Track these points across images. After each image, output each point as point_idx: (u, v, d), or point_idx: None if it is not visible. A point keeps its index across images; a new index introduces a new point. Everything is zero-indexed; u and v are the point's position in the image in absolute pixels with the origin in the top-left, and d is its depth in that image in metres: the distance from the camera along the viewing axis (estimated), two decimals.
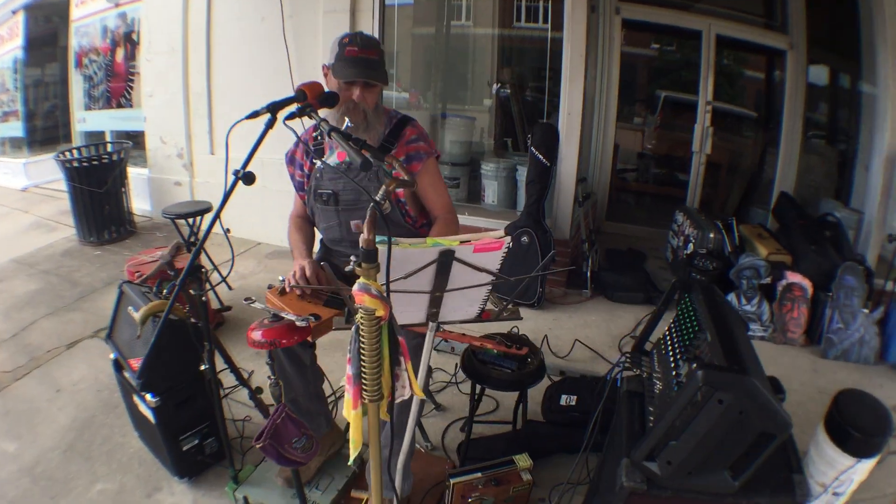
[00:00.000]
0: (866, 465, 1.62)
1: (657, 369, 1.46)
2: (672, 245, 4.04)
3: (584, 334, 3.08)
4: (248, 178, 1.36)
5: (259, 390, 2.27)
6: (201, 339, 1.79)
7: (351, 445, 1.03)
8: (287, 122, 1.36)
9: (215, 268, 2.84)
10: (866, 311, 2.77)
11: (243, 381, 2.22)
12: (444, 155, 4.08)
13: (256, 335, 1.45)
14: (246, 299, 1.54)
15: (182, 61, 4.10)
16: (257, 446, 1.44)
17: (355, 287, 0.86)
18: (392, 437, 1.60)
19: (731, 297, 3.17)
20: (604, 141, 4.59)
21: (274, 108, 1.38)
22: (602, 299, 3.56)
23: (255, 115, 1.38)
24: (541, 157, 3.56)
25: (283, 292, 1.66)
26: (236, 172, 1.36)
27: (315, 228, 1.96)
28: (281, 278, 1.72)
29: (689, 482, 1.21)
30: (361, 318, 0.90)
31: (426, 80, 4.67)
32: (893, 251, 2.92)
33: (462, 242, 0.91)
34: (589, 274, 3.61)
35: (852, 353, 2.78)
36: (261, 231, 3.92)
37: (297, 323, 1.41)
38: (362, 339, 0.93)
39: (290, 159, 1.89)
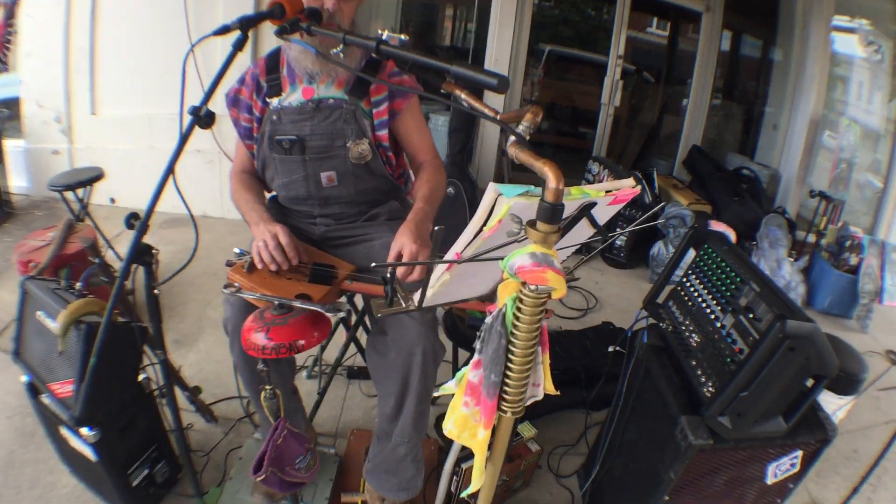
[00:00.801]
0: (851, 402, 1.81)
1: (684, 322, 1.45)
2: None
3: None
4: (209, 119, 1.09)
5: (198, 390, 1.96)
6: (143, 345, 1.47)
7: (475, 475, 0.84)
8: (282, 36, 1.14)
9: (110, 245, 2.37)
10: (791, 259, 3.10)
11: (183, 384, 1.89)
12: None
13: (260, 338, 1.13)
14: (226, 286, 1.26)
15: (65, 14, 3.44)
16: (258, 479, 1.18)
17: (526, 259, 0.66)
18: (411, 429, 1.43)
19: (659, 245, 3.38)
20: (511, 91, 4.62)
21: (245, 24, 1.12)
22: None
23: (224, 30, 1.11)
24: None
25: (251, 269, 1.36)
26: (195, 110, 1.07)
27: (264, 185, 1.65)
28: (238, 251, 1.42)
29: (750, 431, 1.23)
30: (525, 303, 0.71)
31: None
32: (815, 206, 3.29)
33: (607, 192, 0.76)
34: None
35: None
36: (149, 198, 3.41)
37: (329, 315, 1.13)
38: (516, 334, 0.73)
39: (234, 101, 1.55)
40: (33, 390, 1.45)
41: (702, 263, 1.48)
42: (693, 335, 1.40)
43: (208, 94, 1.09)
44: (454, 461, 1.07)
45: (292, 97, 1.48)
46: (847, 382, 1.63)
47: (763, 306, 1.21)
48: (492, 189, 0.69)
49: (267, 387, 1.25)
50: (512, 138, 0.72)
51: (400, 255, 1.28)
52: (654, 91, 5.58)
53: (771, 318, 1.13)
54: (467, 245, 0.75)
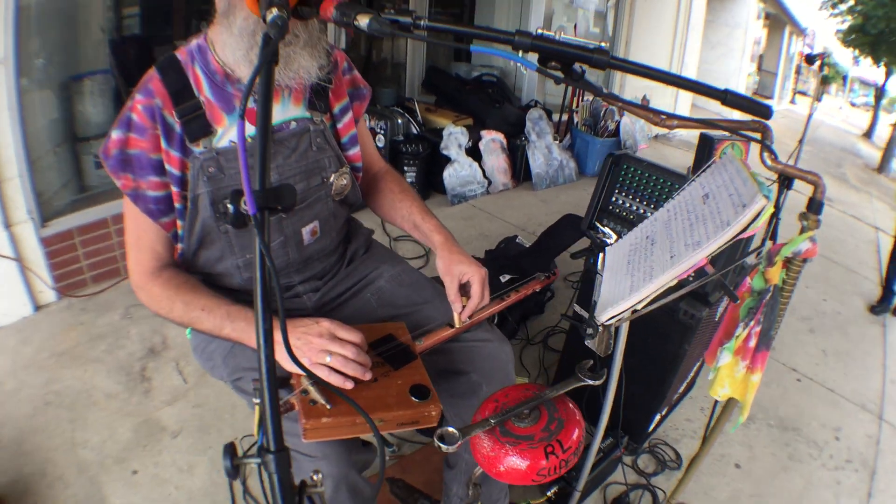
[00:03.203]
0: None
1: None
2: None
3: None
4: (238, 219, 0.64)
5: None
6: None
7: (746, 409, 1.04)
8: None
9: None
10: (557, 142, 3.81)
11: None
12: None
13: (542, 463, 0.89)
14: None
15: None
16: None
17: (808, 244, 0.84)
18: None
19: (449, 170, 3.75)
20: None
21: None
22: None
23: None
24: None
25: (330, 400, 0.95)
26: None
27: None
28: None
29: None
30: (793, 271, 0.90)
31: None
32: (563, 91, 3.99)
33: None
34: None
35: (559, 178, 3.85)
36: None
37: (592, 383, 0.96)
38: (784, 295, 0.93)
39: (122, 161, 1.03)
40: None
41: (627, 181, 1.84)
42: None
43: (263, 175, 0.63)
44: None
45: (233, 132, 1.08)
46: None
47: None
48: (761, 200, 0.85)
49: None
50: (759, 150, 0.87)
51: (464, 286, 1.20)
52: None
53: None
54: (717, 249, 0.90)
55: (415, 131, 3.92)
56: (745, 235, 0.92)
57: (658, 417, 2.01)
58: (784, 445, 2.12)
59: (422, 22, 0.85)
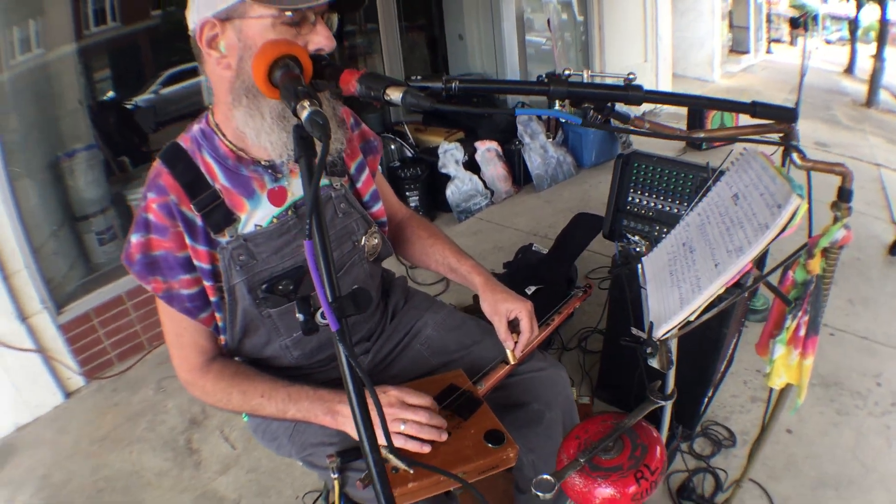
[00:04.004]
0: None
1: (653, 230, 1.86)
2: None
3: None
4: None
5: None
6: None
7: (802, 391, 1.07)
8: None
9: None
10: (551, 139, 3.86)
11: None
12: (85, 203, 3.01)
13: (631, 487, 0.95)
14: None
15: None
16: None
17: (843, 231, 0.88)
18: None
19: (451, 188, 3.79)
20: None
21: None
22: None
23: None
24: None
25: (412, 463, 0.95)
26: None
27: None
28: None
29: None
30: (832, 257, 0.95)
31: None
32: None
33: None
34: None
35: (559, 175, 3.89)
36: None
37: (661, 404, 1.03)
38: (825, 281, 0.97)
39: (148, 264, 1.02)
40: None
41: (640, 178, 1.88)
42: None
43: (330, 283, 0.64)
44: None
45: (257, 215, 1.08)
46: None
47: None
48: (796, 199, 0.89)
49: None
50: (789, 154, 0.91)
51: (513, 322, 1.23)
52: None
53: None
54: (759, 252, 0.94)
55: (409, 154, 3.95)
56: (784, 235, 0.97)
57: (706, 400, 2.06)
58: (829, 402, 2.15)
59: (453, 85, 0.88)
